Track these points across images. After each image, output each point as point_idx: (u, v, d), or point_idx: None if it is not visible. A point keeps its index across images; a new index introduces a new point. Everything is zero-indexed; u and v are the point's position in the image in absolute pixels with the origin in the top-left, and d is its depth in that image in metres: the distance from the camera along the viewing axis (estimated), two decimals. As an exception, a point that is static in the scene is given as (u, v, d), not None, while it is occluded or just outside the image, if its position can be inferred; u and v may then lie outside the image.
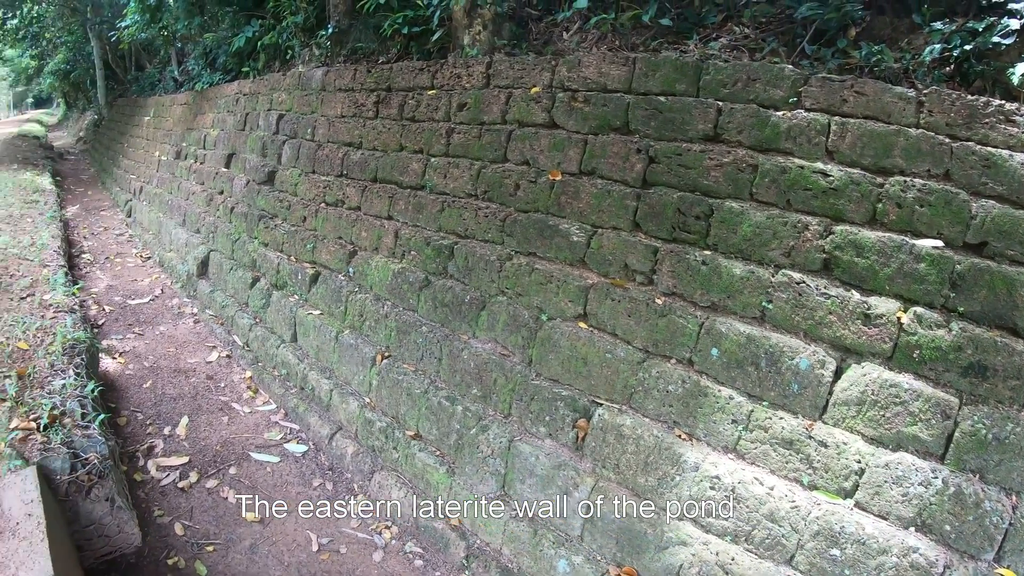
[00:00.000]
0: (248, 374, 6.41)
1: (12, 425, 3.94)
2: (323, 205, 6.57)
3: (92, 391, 4.71)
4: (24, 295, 6.33)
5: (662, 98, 4.24)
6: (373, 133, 6.27)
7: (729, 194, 3.81)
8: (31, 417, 4.08)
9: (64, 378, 4.71)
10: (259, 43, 9.86)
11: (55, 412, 4.15)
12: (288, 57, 9.34)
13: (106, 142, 21.65)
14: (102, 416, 4.36)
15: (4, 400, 4.24)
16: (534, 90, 4.99)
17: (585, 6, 5.55)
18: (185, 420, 5.64)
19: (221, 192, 8.93)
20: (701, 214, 3.81)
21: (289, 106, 8.02)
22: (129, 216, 13.56)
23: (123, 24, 12.89)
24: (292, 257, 6.65)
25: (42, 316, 5.81)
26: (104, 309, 8.13)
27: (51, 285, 6.71)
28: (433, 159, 5.50)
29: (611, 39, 5.41)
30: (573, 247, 4.28)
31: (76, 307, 6.47)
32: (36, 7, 22.18)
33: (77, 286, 7.62)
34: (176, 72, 16.01)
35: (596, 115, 4.51)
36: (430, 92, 5.86)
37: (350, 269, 5.86)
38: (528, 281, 4.38)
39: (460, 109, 5.48)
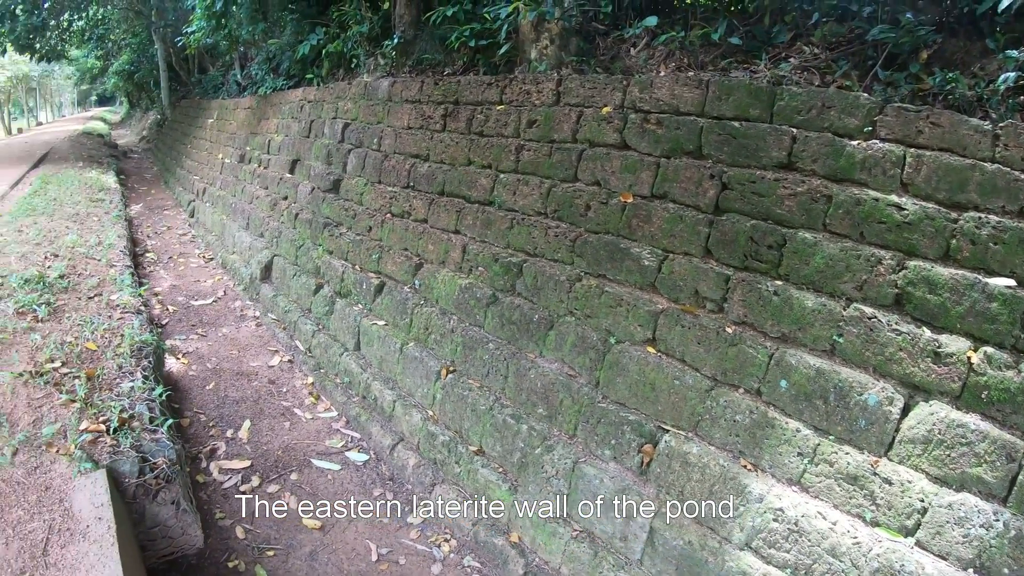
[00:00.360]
0: (310, 380, 6.57)
1: (82, 427, 4.11)
2: (389, 216, 6.71)
3: (160, 395, 4.86)
4: (92, 295, 6.57)
5: (736, 123, 4.27)
6: (440, 146, 6.40)
7: (802, 224, 3.82)
8: (101, 419, 4.25)
9: (132, 380, 4.89)
10: (323, 51, 10.09)
11: (124, 415, 4.33)
12: (353, 66, 9.56)
13: (169, 142, 22.27)
14: (170, 421, 4.51)
15: (74, 401, 4.41)
16: (605, 110, 5.05)
17: (655, 24, 5.58)
18: (247, 424, 5.81)
19: (285, 198, 9.16)
20: (774, 244, 3.84)
21: (355, 115, 8.21)
22: (192, 216, 13.94)
23: (189, 30, 13.24)
24: (357, 266, 6.81)
25: (109, 317, 6.03)
26: (168, 309, 8.41)
27: (117, 285, 6.94)
28: (502, 175, 5.60)
29: (679, 56, 5.44)
30: (644, 271, 4.33)
31: (142, 308, 6.68)
32: (101, 10, 22.90)
33: (143, 287, 7.87)
34: (239, 76, 16.43)
35: (669, 138, 4.55)
36: (499, 107, 5.95)
37: (416, 281, 5.98)
38: (597, 303, 4.45)
39: (530, 126, 5.56)
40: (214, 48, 19.84)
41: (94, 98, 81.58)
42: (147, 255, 11.08)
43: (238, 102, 14.77)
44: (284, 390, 6.48)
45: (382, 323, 6.07)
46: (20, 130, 45.89)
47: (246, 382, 6.60)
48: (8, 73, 39.50)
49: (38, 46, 19.94)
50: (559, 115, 5.35)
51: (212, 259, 10.93)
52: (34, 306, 5.82)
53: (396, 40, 8.22)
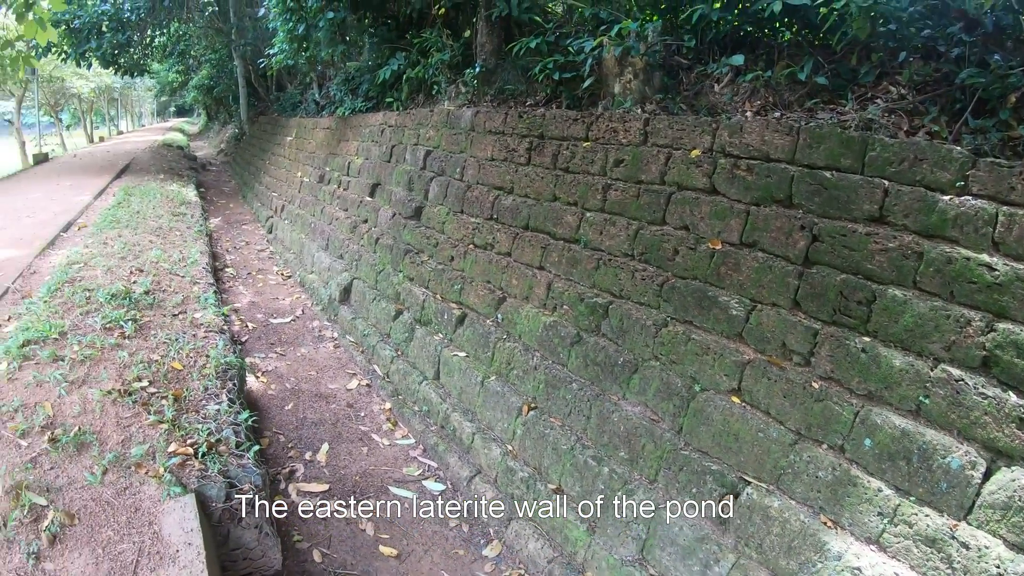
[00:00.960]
0: (387, 405, 6.82)
1: (171, 449, 4.39)
2: (472, 247, 6.94)
3: (246, 420, 5.11)
4: (176, 312, 6.93)
5: (827, 173, 4.33)
6: (525, 180, 6.60)
7: (892, 280, 3.87)
8: (188, 442, 4.51)
9: (218, 403, 5.16)
10: (404, 76, 10.44)
11: (211, 439, 4.58)
12: (433, 92, 9.84)
13: (247, 157, 23.04)
14: (256, 447, 4.73)
15: (162, 422, 4.68)
16: (694, 153, 5.16)
17: (741, 62, 5.66)
18: (326, 447, 6.06)
19: (365, 221, 9.48)
20: (863, 299, 3.90)
21: (437, 143, 8.49)
22: (270, 233, 14.45)
23: (271, 52, 13.81)
24: (438, 295, 7.05)
25: (194, 336, 6.37)
26: (247, 326, 8.76)
27: (201, 304, 7.29)
28: (588, 213, 5.77)
29: (764, 94, 5.49)
30: (731, 320, 4.43)
31: (225, 327, 6.98)
32: (182, 27, 23.92)
33: (227, 307, 8.21)
34: (317, 95, 17.00)
35: (759, 185, 4.64)
36: (585, 144, 6.12)
37: (498, 315, 6.18)
38: (684, 350, 4.56)
39: (616, 165, 5.71)
40: (292, 67, 20.50)
41: (172, 109, 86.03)
42: (226, 270, 11.55)
43: (317, 122, 15.28)
44: (362, 414, 6.72)
45: (463, 354, 6.27)
46: (102, 138, 47.84)
47: (324, 404, 6.85)
48: (92, 84, 41.17)
49: (122, 61, 20.84)
50: (647, 155, 5.49)
51: (290, 277, 11.35)
52: (121, 322, 6.18)
53: (478, 69, 8.47)
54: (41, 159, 25.58)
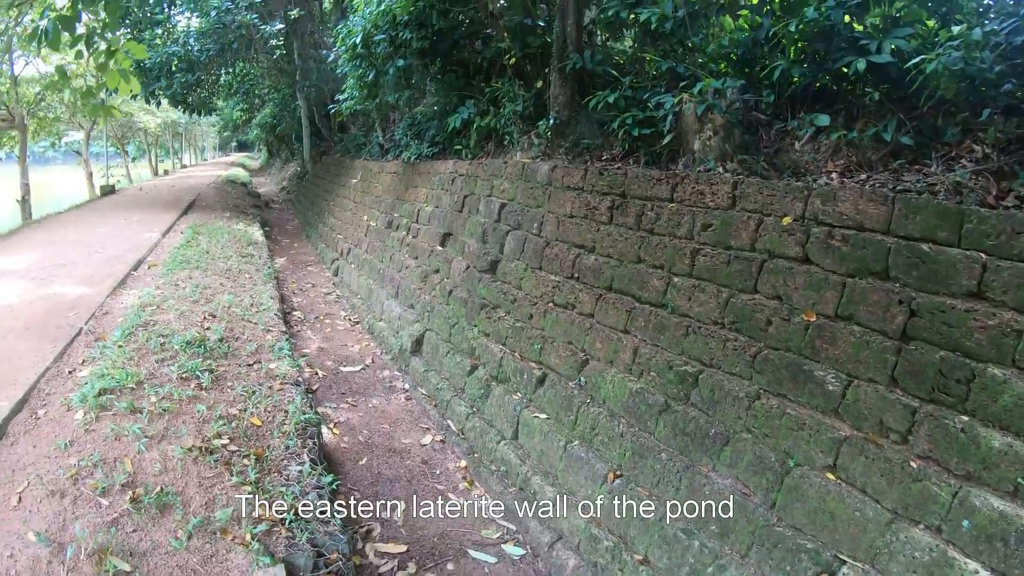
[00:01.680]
0: (463, 463, 6.98)
1: (256, 515, 4.55)
2: (552, 305, 7.11)
3: (331, 484, 5.25)
4: (251, 361, 7.20)
5: (924, 246, 4.37)
6: (608, 240, 6.76)
7: (991, 359, 3.89)
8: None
9: (299, 463, 5.34)
10: (474, 124, 10.74)
11: (297, 504, 4.69)
12: (505, 142, 10.04)
13: (311, 196, 23.71)
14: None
15: (245, 484, 4.84)
16: (786, 220, 5.21)
17: (827, 123, 5.71)
18: (402, 505, 6.21)
19: (437, 271, 9.71)
20: (962, 377, 3.94)
21: (512, 196, 8.72)
22: (336, 275, 14.84)
23: (341, 98, 14.39)
24: (516, 353, 7.22)
25: (270, 388, 6.60)
26: (317, 374, 9.01)
27: (275, 353, 7.54)
28: (676, 278, 5.88)
29: (846, 153, 5.56)
30: (827, 396, 4.49)
31: (300, 379, 7.16)
32: (247, 67, 24.96)
33: (303, 358, 8.43)
34: (381, 138, 17.46)
35: (854, 256, 4.67)
36: (670, 205, 6.25)
37: (581, 378, 6.32)
38: (778, 424, 4.64)
39: (704, 229, 5.82)
40: (360, 111, 21.06)
41: (234, 144, 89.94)
42: (294, 313, 11.89)
43: (383, 165, 15.71)
44: (437, 472, 6.86)
45: (544, 416, 6.40)
46: (166, 172, 50.18)
47: (399, 460, 7.01)
48: (158, 120, 42.96)
49: (190, 100, 21.65)
50: (736, 221, 5.58)
51: (358, 323, 11.67)
52: (197, 372, 6.44)
53: (552, 121, 8.65)
54: (108, 191, 26.67)
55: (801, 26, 5.88)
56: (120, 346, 6.85)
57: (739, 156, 6.21)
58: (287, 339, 8.41)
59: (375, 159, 17.17)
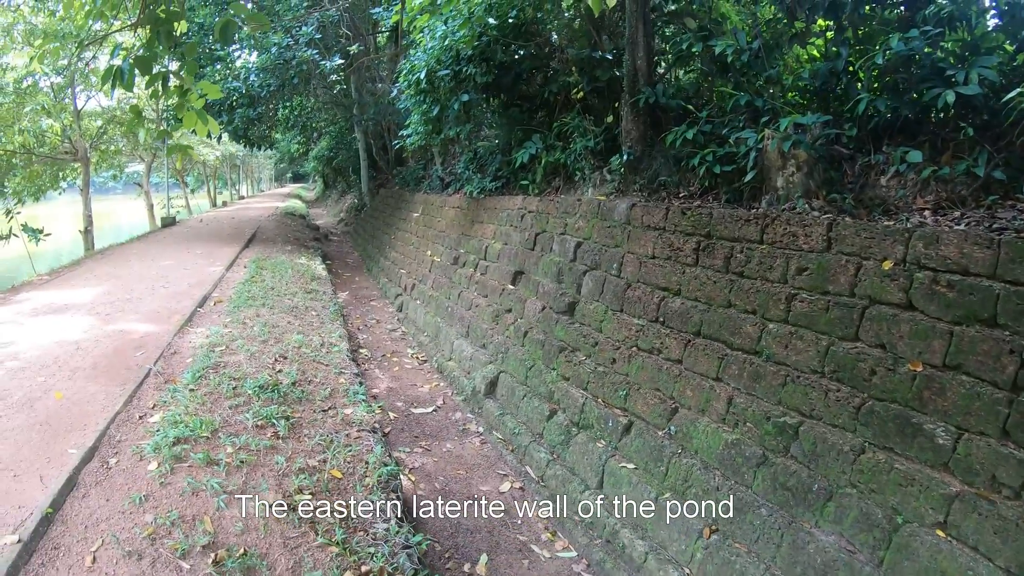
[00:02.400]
0: (545, 513, 6.68)
1: None
2: (635, 350, 6.91)
3: (420, 544, 5.10)
4: (326, 407, 7.10)
5: (1034, 291, 4.14)
6: (695, 283, 6.56)
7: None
8: (363, 570, 4.45)
9: (385, 520, 5.16)
10: (543, 160, 10.62)
11: (387, 566, 4.53)
12: (576, 178, 9.91)
13: (370, 230, 23.93)
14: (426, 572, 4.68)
15: (331, 544, 4.70)
16: (886, 265, 4.98)
17: (920, 159, 5.46)
18: (484, 558, 6.03)
19: (509, 311, 9.57)
20: (1083, 432, 3.70)
21: (587, 234, 8.56)
22: (400, 311, 14.81)
23: (405, 133, 14.38)
24: (599, 399, 7.01)
25: (347, 436, 6.48)
26: (388, 415, 8.86)
27: (350, 398, 7.45)
28: (770, 324, 5.66)
29: (935, 188, 5.36)
30: (937, 449, 4.25)
31: (377, 426, 7.03)
32: (305, 101, 25.44)
33: (378, 404, 8.34)
34: (440, 171, 17.51)
35: (960, 303, 4.44)
36: (761, 247, 6.03)
37: (671, 427, 6.11)
38: (885, 479, 4.40)
39: (799, 273, 5.59)
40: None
41: (289, 175, 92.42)
42: (361, 351, 11.83)
43: (445, 200, 15.67)
44: (518, 522, 6.67)
45: (631, 466, 6.19)
46: (225, 203, 51.89)
47: (478, 508, 6.78)
48: (217, 152, 44.72)
49: (251, 134, 21.96)
50: (833, 265, 5.34)
51: (426, 361, 11.56)
52: (273, 420, 6.33)
53: (625, 157, 8.50)
54: (169, 222, 27.35)
55: (888, 56, 5.71)
56: (192, 390, 6.85)
57: (824, 193, 6.04)
58: (360, 382, 8.32)
59: (435, 192, 17.17)
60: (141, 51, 5.26)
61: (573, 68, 10.72)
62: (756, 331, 5.74)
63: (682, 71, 10.22)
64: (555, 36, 12.02)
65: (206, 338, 8.88)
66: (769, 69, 7.46)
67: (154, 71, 5.16)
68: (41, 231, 18.90)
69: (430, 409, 9.34)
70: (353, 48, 19.46)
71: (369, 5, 20.42)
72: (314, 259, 18.56)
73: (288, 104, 24.11)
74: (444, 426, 8.83)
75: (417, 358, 11.86)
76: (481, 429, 8.63)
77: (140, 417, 6.38)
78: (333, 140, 32.53)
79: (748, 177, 6.61)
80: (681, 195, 7.69)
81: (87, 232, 23.71)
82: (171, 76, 5.40)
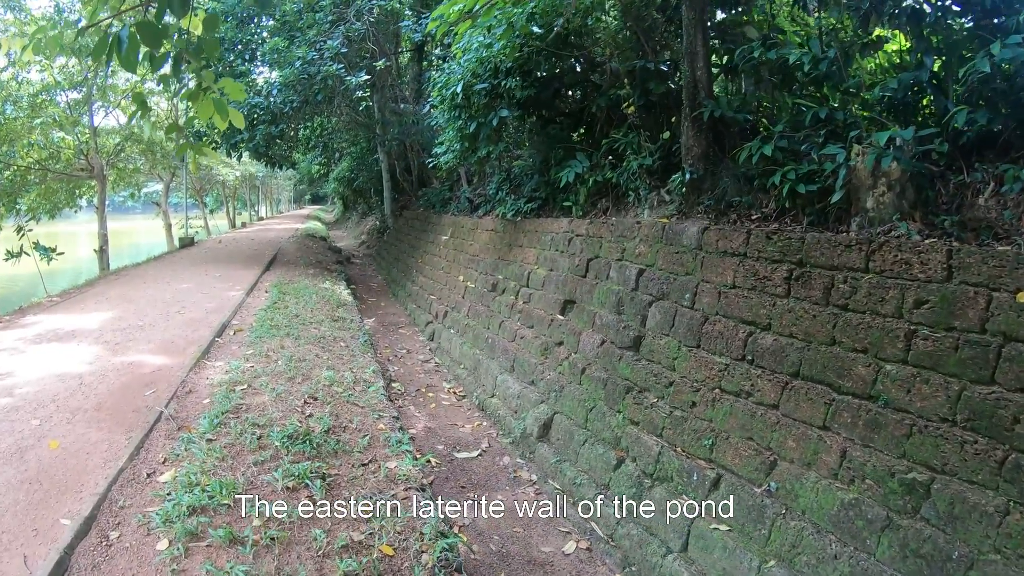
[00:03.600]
0: (620, 579, 6.06)
1: None
2: (719, 392, 6.32)
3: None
4: (366, 460, 6.37)
5: None
6: (787, 316, 5.97)
7: None
8: None
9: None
10: (590, 179, 10.13)
11: None
12: (629, 199, 9.41)
13: (394, 252, 23.66)
14: None
15: None
16: (1021, 297, 4.42)
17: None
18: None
19: (560, 344, 8.99)
20: None
21: (650, 261, 8.00)
22: (431, 340, 14.27)
23: (438, 151, 13.68)
24: (678, 448, 6.42)
25: (394, 497, 5.70)
26: (430, 462, 8.14)
27: (392, 448, 6.72)
28: (887, 365, 5.05)
29: None
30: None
31: (426, 483, 6.41)
32: (326, 121, 25.32)
33: (425, 458, 7.71)
34: (468, 192, 17.12)
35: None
36: (867, 277, 5.45)
37: (771, 483, 5.50)
38: (1039, 545, 3.84)
39: (918, 306, 5.00)
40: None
41: (308, 197, 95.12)
42: (393, 385, 11.20)
43: (477, 222, 15.22)
44: (590, 591, 6.00)
45: (724, 528, 5.57)
46: (244, 224, 52.83)
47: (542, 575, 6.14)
48: (237, 173, 45.28)
49: (272, 153, 21.72)
50: (958, 297, 4.76)
51: (465, 397, 10.95)
52: (306, 479, 5.54)
53: (688, 175, 7.96)
54: (187, 243, 27.39)
55: (1005, 65, 5.33)
56: (209, 440, 6.09)
57: (919, 214, 5.62)
58: (400, 428, 7.61)
59: (464, 215, 16.78)
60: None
61: (625, 80, 10.17)
62: (870, 373, 5.12)
63: (738, 83, 9.68)
64: (598, 48, 11.53)
65: (225, 374, 8.28)
66: (847, 80, 7.09)
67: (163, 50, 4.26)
68: (53, 250, 18.64)
69: (475, 453, 8.69)
70: (380, 64, 19.14)
71: (394, 20, 20.28)
72: (338, 283, 17.99)
73: (309, 124, 23.96)
74: (492, 473, 8.17)
75: (455, 393, 11.22)
76: (534, 477, 7.97)
77: (148, 475, 5.59)
78: (354, 161, 32.44)
79: (835, 197, 6.12)
80: (754, 217, 7.19)
81: (102, 252, 23.44)
82: (184, 59, 4.40)
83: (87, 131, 23.56)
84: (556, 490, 7.51)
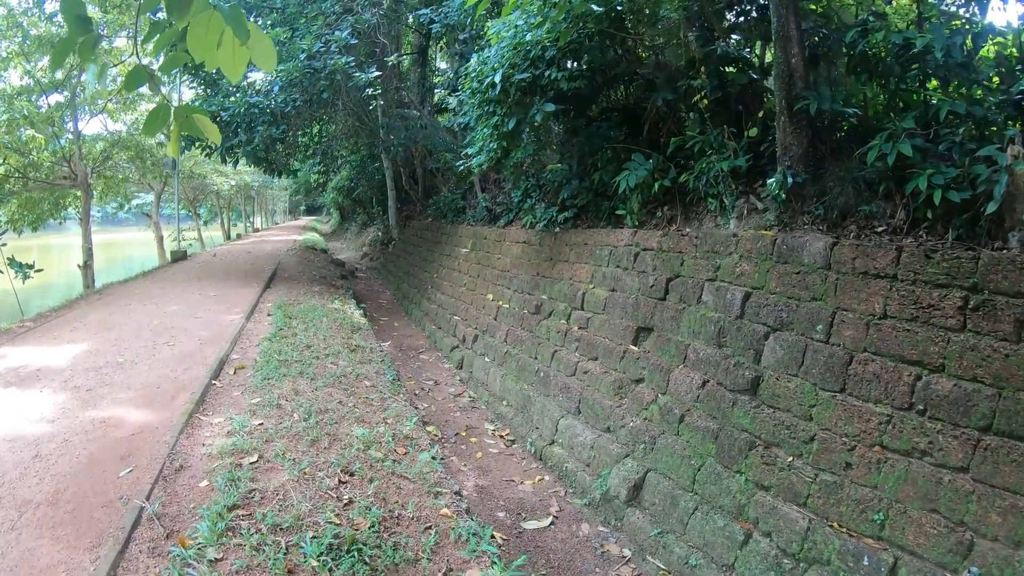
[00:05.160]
0: None
1: None
2: (882, 450, 5.28)
3: None
4: (439, 570, 4.82)
5: None
6: (970, 356, 4.95)
7: None
8: None
9: None
10: (656, 184, 9.10)
11: None
12: (709, 207, 8.39)
13: (403, 266, 22.92)
14: None
15: None
16: None
17: None
18: None
19: (639, 381, 7.90)
20: None
21: (758, 282, 6.95)
22: (460, 369, 13.23)
23: (470, 152, 12.32)
24: (834, 523, 5.34)
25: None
26: (495, 538, 6.53)
27: (470, 548, 5.07)
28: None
29: None
30: None
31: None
32: (326, 127, 24.74)
33: (517, 563, 5.94)
34: (486, 200, 16.37)
35: None
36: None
37: (971, 568, 4.45)
38: None
39: None
40: (448, 169, 20.29)
41: (303, 207, 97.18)
42: (426, 427, 9.68)
43: (502, 232, 14.29)
44: None
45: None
46: (239, 236, 51.96)
47: None
48: (232, 182, 44.89)
49: (271, 158, 20.77)
50: None
51: (514, 442, 9.75)
52: None
53: (791, 180, 6.99)
54: (179, 256, 26.54)
55: None
56: (213, 561, 4.45)
57: None
58: (466, 509, 6.02)
59: (483, 224, 15.97)
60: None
61: (703, 69, 9.04)
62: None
63: (826, 73, 8.71)
64: (658, 31, 10.51)
65: (228, 437, 6.58)
66: (979, 71, 6.60)
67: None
68: (31, 266, 17.33)
69: (546, 522, 7.34)
70: (392, 58, 18.16)
71: (404, 10, 19.42)
72: (347, 303, 16.69)
73: (307, 131, 23.21)
74: (573, 548, 6.89)
75: (501, 437, 9.96)
76: (627, 552, 6.74)
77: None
78: (354, 170, 32.19)
79: (991, 208, 5.31)
80: (879, 229, 6.29)
81: (86, 267, 22.34)
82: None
83: (61, 128, 22.42)
84: (660, 571, 6.33)
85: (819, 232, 6.61)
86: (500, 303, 12.86)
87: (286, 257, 27.47)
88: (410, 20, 21.59)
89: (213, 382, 8.60)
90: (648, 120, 10.27)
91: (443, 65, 26.91)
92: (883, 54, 7.08)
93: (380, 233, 31.64)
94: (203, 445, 6.49)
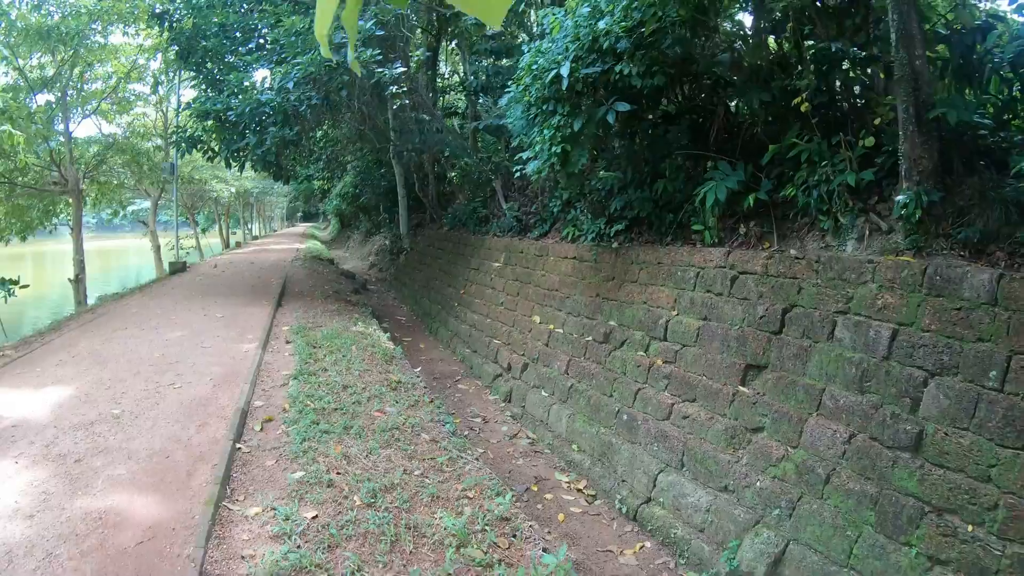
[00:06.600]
0: None
1: None
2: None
3: None
4: None
5: None
6: None
7: None
8: None
9: None
10: (751, 197, 8.55)
11: None
12: (823, 226, 7.85)
13: (420, 279, 22.68)
14: None
15: None
16: None
17: None
18: None
19: (758, 430, 7.26)
20: None
21: (907, 317, 6.34)
22: (508, 402, 12.63)
23: (525, 156, 11.62)
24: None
25: None
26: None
27: None
28: None
29: None
30: None
31: None
32: (332, 132, 24.96)
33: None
34: (514, 209, 16.23)
35: None
36: None
37: None
38: None
39: None
40: (465, 175, 19.85)
41: (300, 214, 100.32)
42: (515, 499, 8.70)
43: (544, 246, 13.81)
44: None
45: None
46: (239, 244, 52.80)
47: None
48: (232, 188, 45.21)
49: (283, 161, 20.31)
50: None
51: (595, 497, 8.94)
52: None
53: (925, 200, 6.52)
54: (178, 268, 26.20)
55: None
56: None
57: None
58: None
59: (512, 235, 15.65)
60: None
61: (812, 67, 8.47)
62: None
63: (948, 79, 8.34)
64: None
65: (274, 542, 5.25)
66: None
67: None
68: (15, 282, 16.57)
69: None
70: (418, 53, 17.69)
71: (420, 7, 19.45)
72: (370, 323, 15.88)
73: (312, 136, 22.96)
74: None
75: (579, 491, 9.08)
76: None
77: None
78: (358, 176, 32.51)
79: None
80: None
81: (78, 281, 21.78)
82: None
83: (56, 134, 21.94)
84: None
85: (960, 258, 6.17)
86: (552, 327, 12.28)
87: (293, 269, 27.13)
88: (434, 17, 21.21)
89: (238, 446, 7.34)
90: (718, 124, 9.76)
91: (446, 69, 26.84)
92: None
93: (388, 242, 31.61)
94: (242, 559, 5.06)
